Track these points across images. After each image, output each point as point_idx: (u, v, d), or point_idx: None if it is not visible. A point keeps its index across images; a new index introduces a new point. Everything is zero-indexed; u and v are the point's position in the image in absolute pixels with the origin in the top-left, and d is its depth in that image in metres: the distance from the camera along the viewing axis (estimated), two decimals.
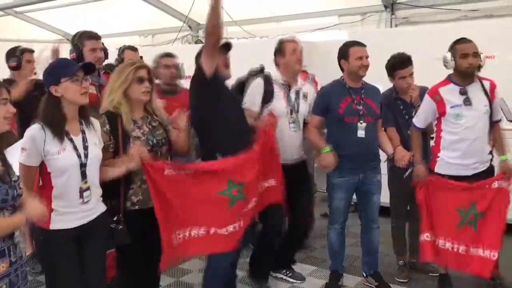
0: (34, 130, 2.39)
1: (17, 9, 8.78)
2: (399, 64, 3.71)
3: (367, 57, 3.50)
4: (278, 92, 3.58)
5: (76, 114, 2.50)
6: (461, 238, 3.34)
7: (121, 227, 2.70)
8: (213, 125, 3.03)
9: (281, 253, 3.80)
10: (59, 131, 2.41)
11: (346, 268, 3.99)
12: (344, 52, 3.54)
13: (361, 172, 3.55)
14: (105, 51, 3.72)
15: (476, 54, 3.31)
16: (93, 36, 3.62)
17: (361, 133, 3.46)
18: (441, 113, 3.38)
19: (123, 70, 2.81)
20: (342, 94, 3.52)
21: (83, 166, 2.47)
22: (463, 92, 3.34)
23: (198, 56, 3.14)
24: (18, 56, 4.11)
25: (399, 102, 3.74)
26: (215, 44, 2.82)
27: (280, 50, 3.63)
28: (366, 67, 3.49)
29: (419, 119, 3.54)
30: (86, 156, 2.48)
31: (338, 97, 3.52)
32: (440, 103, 3.37)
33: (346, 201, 3.65)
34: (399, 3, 6.70)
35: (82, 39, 3.59)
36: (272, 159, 3.25)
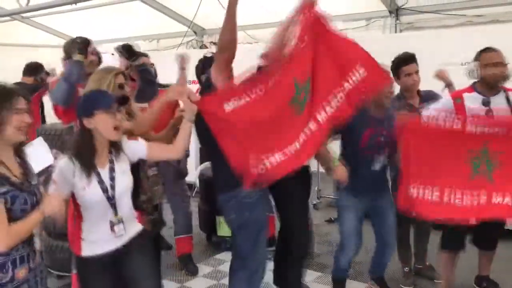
0: (64, 162, 2.35)
1: (23, 14, 8.83)
2: (403, 61, 3.65)
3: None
4: None
5: (107, 145, 2.44)
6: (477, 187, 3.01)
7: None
8: None
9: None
10: (87, 165, 2.35)
11: (350, 273, 3.94)
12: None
13: (372, 193, 3.43)
14: (99, 55, 3.71)
15: (503, 64, 3.17)
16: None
17: (376, 166, 3.36)
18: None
19: (103, 77, 2.81)
20: (367, 126, 3.28)
21: (111, 199, 2.41)
22: (486, 103, 3.15)
23: (201, 67, 3.10)
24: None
25: (407, 108, 3.69)
26: (229, 60, 2.70)
27: None
28: (392, 94, 3.40)
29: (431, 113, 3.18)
30: (113, 188, 2.41)
31: (363, 128, 3.28)
32: (460, 107, 3.18)
33: (358, 222, 3.47)
34: (403, 8, 6.69)
35: (73, 45, 3.59)
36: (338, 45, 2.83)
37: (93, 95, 2.52)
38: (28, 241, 2.05)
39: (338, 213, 3.57)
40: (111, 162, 2.43)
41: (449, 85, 3.80)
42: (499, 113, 3.10)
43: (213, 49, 8.73)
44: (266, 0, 7.36)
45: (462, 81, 5.82)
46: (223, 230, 4.66)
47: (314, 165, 6.21)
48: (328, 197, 6.18)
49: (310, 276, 4.11)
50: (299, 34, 2.66)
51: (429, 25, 6.61)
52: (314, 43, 2.75)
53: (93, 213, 2.41)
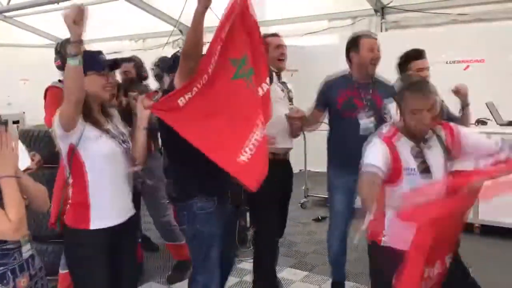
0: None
1: (6, 14, 8.74)
2: (414, 55, 3.41)
3: (378, 49, 3.31)
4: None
5: (99, 109, 2.39)
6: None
7: None
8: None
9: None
10: (93, 118, 2.31)
11: (350, 275, 3.86)
12: (354, 43, 3.33)
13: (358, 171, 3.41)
14: None
15: (432, 108, 2.34)
16: None
17: (361, 131, 3.18)
18: (396, 172, 2.35)
19: None
20: (344, 88, 3.30)
21: (127, 151, 2.41)
22: (417, 154, 2.39)
23: (168, 69, 3.04)
24: None
25: None
26: (193, 69, 2.51)
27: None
28: (377, 60, 3.28)
29: (376, 160, 2.32)
30: (124, 142, 2.40)
31: (339, 90, 3.31)
32: (395, 156, 2.36)
33: (348, 203, 3.35)
34: (389, 7, 6.73)
35: (65, 46, 3.55)
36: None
37: (86, 56, 2.29)
38: (19, 248, 1.95)
39: (329, 192, 3.53)
40: (109, 122, 2.42)
41: (465, 105, 3.43)
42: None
43: None
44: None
45: (446, 80, 5.87)
46: None
47: (301, 165, 6.24)
48: (316, 196, 6.19)
49: (297, 276, 4.11)
50: (226, 15, 2.67)
51: (414, 23, 6.67)
52: (242, 22, 2.74)
53: (105, 171, 2.29)
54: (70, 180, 2.30)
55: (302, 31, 7.37)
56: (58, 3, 5.56)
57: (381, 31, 6.78)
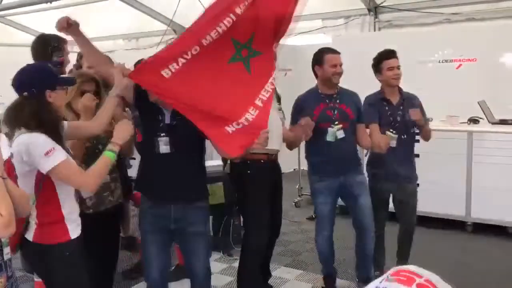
0: (41, 134, 2.21)
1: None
2: (385, 55, 3.69)
3: (341, 64, 3.53)
4: None
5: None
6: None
7: None
8: None
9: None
10: (60, 136, 2.31)
11: (338, 273, 3.92)
12: (319, 58, 3.56)
13: (341, 174, 3.54)
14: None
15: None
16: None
17: (331, 137, 3.48)
18: None
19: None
20: (317, 101, 3.54)
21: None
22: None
23: None
24: None
25: (385, 103, 3.72)
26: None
27: None
28: (340, 74, 3.53)
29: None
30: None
31: (313, 104, 3.54)
32: None
33: (331, 205, 3.61)
34: (382, 6, 6.75)
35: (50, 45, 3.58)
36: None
37: (51, 70, 2.38)
38: (0, 248, 1.97)
39: (312, 198, 3.72)
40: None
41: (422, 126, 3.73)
42: None
43: None
44: None
45: (439, 78, 5.92)
46: None
47: (295, 164, 6.25)
48: (309, 195, 6.20)
49: (291, 274, 4.13)
50: None
51: (407, 23, 6.68)
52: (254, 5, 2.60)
53: (67, 186, 2.33)
54: (35, 203, 2.28)
55: (295, 30, 7.37)
56: (50, 2, 5.53)
57: (374, 30, 6.80)
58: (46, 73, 2.34)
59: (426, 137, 3.83)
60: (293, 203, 6.08)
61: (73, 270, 2.34)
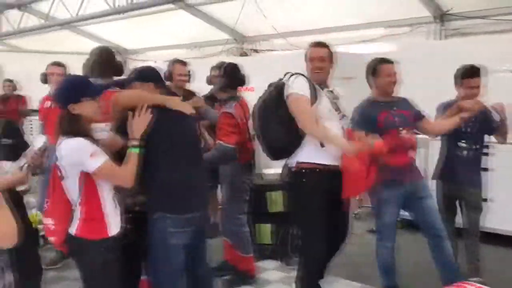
0: (80, 139, 2.43)
1: (74, 24, 9.13)
2: (468, 73, 3.68)
3: (395, 74, 3.53)
4: (319, 90, 3.27)
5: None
6: None
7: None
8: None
9: None
10: (95, 140, 2.52)
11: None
12: (373, 68, 3.58)
13: (407, 181, 3.51)
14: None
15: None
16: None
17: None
18: None
19: None
20: (378, 109, 3.54)
21: None
22: None
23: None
24: None
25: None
26: None
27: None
28: (394, 83, 3.53)
29: None
30: None
31: (374, 113, 3.53)
32: None
33: (395, 216, 3.61)
34: (449, 14, 6.54)
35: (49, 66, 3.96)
36: None
37: (71, 85, 2.62)
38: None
39: (376, 207, 3.65)
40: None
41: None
42: None
43: (254, 56, 8.79)
44: (303, 7, 7.34)
45: (511, 88, 5.62)
46: (263, 238, 4.64)
47: None
48: (369, 207, 6.06)
49: (350, 286, 4.03)
50: None
51: (476, 31, 6.44)
52: None
53: (108, 185, 2.51)
54: (79, 200, 2.48)
55: (358, 38, 7.28)
56: (123, 13, 5.78)
57: (441, 38, 6.59)
58: (69, 88, 2.57)
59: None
60: (353, 215, 5.96)
61: (106, 266, 2.50)
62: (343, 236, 3.52)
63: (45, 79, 4.64)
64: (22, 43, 10.62)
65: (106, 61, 3.30)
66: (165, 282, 2.79)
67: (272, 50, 8.65)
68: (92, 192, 2.48)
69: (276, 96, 3.21)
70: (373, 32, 7.25)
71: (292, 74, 3.25)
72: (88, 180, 2.45)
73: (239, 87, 4.05)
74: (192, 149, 2.91)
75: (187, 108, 2.88)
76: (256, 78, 4.26)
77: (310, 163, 3.17)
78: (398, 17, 6.96)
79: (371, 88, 3.65)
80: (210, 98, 4.43)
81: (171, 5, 7.85)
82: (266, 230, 4.61)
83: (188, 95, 4.18)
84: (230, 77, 4.03)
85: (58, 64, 4.57)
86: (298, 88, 3.16)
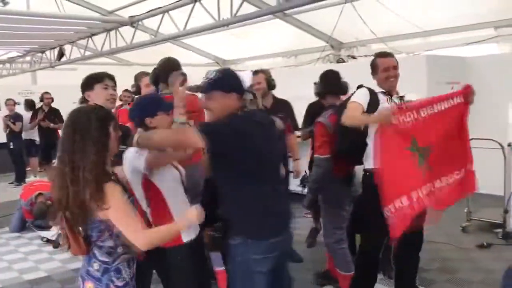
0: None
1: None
2: None
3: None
4: (382, 99, 3.33)
5: None
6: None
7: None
8: None
9: None
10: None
11: None
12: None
13: None
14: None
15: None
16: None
17: None
18: None
19: None
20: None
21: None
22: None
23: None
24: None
25: None
26: None
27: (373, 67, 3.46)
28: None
29: None
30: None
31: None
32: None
33: None
34: None
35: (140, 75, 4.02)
36: (461, 141, 3.21)
37: (154, 99, 2.82)
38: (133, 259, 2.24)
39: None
40: None
41: None
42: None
43: (350, 62, 8.63)
44: (403, 10, 7.08)
45: None
46: None
47: None
48: (479, 220, 5.66)
49: None
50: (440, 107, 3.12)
51: None
52: (448, 121, 3.15)
53: (176, 192, 2.60)
54: (149, 209, 2.57)
55: (463, 40, 6.87)
56: (228, 26, 5.95)
57: None
58: (146, 104, 2.73)
59: None
60: (460, 228, 5.60)
61: (183, 274, 2.56)
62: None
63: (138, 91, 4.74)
64: (129, 57, 11.37)
65: (171, 70, 3.38)
66: None
67: (370, 56, 8.43)
68: (157, 198, 2.55)
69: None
70: (480, 33, 6.80)
71: (359, 86, 3.43)
72: (151, 186, 2.53)
73: (341, 96, 3.88)
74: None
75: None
76: (353, 84, 4.14)
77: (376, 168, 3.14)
78: (509, 16, 6.45)
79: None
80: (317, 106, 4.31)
81: (270, 16, 7.95)
82: None
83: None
84: (326, 84, 3.96)
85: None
86: (356, 97, 3.31)
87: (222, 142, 2.28)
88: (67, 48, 7.95)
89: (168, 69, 3.42)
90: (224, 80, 2.45)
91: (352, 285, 3.45)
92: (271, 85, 4.45)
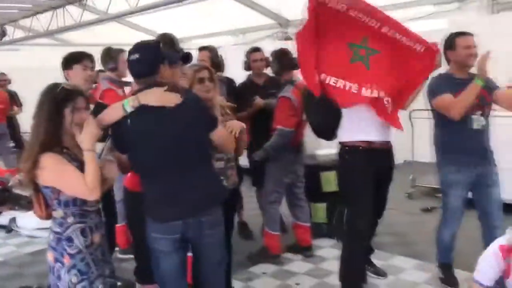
0: None
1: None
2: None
3: (474, 46, 3.35)
4: None
5: None
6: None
7: None
8: None
9: None
10: None
11: (457, 263, 3.73)
12: (450, 42, 3.42)
13: (479, 165, 3.41)
14: None
15: None
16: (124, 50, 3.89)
17: (474, 124, 3.36)
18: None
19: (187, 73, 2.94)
20: (453, 87, 3.34)
21: None
22: None
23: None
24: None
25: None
26: None
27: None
28: (474, 56, 3.34)
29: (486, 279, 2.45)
30: None
31: (448, 90, 3.34)
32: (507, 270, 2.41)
33: (464, 199, 3.49)
34: None
35: (117, 52, 4.06)
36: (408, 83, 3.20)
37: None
38: (97, 210, 2.38)
39: (442, 189, 3.57)
40: None
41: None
42: None
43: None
44: None
45: None
46: (318, 217, 4.73)
47: (409, 155, 6.08)
48: (422, 186, 6.04)
49: (408, 263, 4.06)
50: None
51: None
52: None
53: None
54: None
55: (406, 17, 7.15)
56: (181, 1, 5.88)
57: (492, 13, 6.39)
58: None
59: None
60: (406, 195, 5.95)
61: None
62: (381, 210, 3.56)
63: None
64: (71, 37, 11.00)
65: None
66: None
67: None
68: None
69: None
70: (420, 10, 7.10)
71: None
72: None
73: (294, 71, 4.06)
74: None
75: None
76: None
77: (352, 141, 3.24)
78: None
79: (448, 63, 3.48)
80: (250, 85, 4.58)
81: None
82: (320, 209, 4.69)
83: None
84: (281, 62, 4.11)
85: None
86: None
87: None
88: (9, 28, 7.65)
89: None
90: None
91: (341, 261, 3.45)
92: (215, 63, 4.27)
